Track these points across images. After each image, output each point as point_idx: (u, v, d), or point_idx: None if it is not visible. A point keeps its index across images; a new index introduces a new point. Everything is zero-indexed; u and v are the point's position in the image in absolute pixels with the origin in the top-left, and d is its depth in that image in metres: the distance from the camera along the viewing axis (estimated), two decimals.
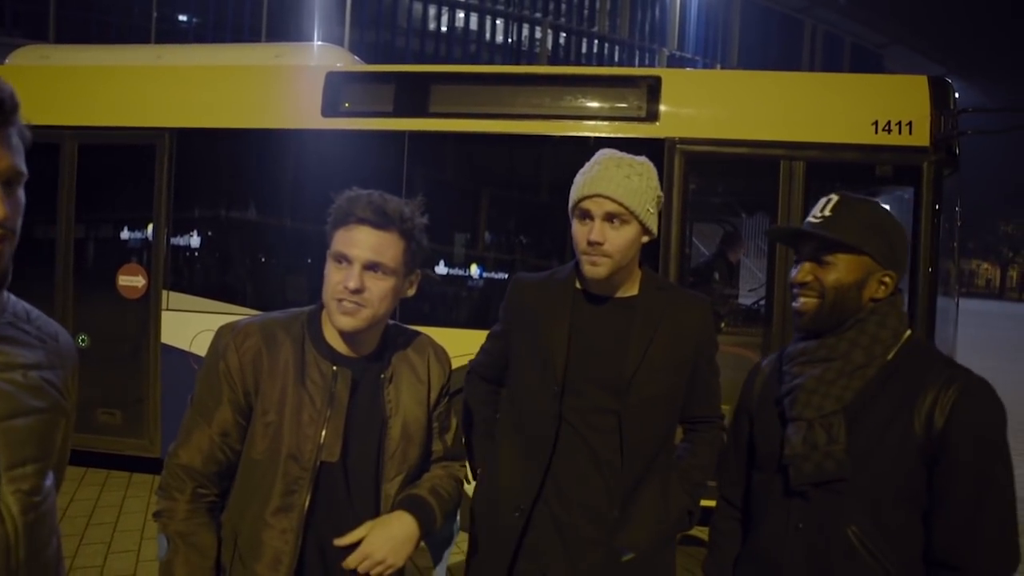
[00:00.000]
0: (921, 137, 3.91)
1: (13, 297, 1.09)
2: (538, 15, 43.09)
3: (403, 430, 1.55)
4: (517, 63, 38.25)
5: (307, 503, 1.46)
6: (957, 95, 4.05)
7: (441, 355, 1.69)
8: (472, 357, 2.04)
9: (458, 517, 1.82)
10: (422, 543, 1.56)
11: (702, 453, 1.85)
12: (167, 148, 4.74)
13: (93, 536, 4.10)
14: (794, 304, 1.53)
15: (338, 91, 4.59)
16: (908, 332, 1.50)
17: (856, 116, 4.00)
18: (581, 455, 1.73)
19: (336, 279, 1.45)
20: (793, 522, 1.46)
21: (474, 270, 4.56)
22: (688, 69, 19.32)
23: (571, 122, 4.34)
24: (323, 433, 1.47)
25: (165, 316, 4.75)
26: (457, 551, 3.99)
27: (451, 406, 1.71)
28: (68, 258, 4.91)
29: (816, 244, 1.49)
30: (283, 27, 28.81)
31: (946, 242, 4.12)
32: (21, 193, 1.01)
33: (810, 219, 1.52)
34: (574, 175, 1.74)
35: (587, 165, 1.73)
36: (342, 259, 1.46)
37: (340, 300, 1.44)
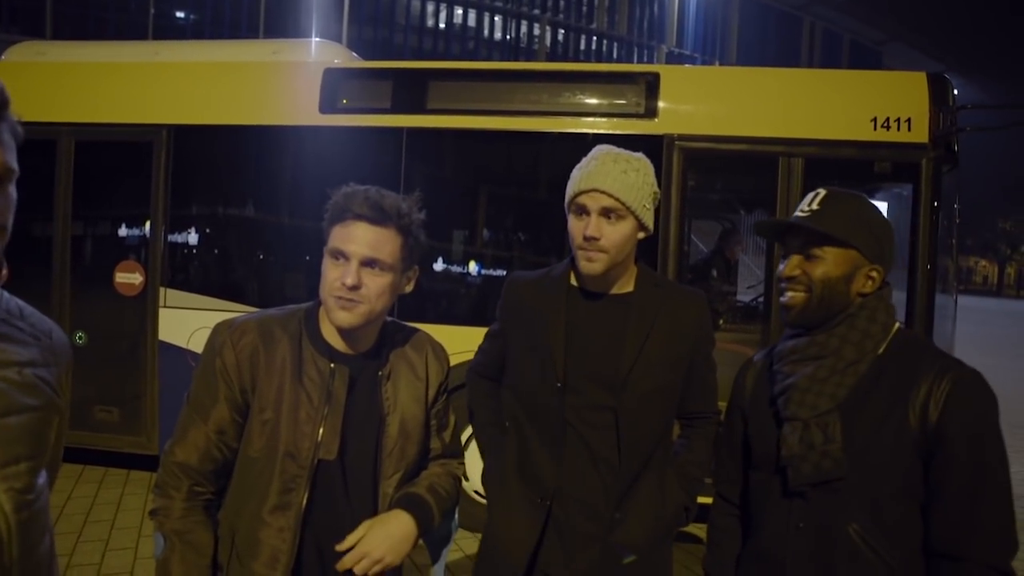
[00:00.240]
0: (920, 134, 3.91)
1: (6, 294, 1.09)
2: (536, 12, 43.07)
3: (401, 427, 1.55)
4: (516, 60, 38.21)
5: (304, 501, 1.45)
6: (956, 92, 4.04)
7: (439, 352, 1.68)
8: (471, 354, 2.04)
9: (456, 515, 1.81)
10: (420, 541, 1.56)
11: (698, 449, 1.85)
12: (164, 145, 4.73)
13: (90, 533, 4.09)
14: (782, 299, 1.53)
15: (336, 87, 4.58)
16: (897, 325, 1.50)
17: (855, 113, 3.99)
18: (579, 453, 1.72)
19: (333, 275, 1.45)
20: (794, 522, 1.46)
21: (472, 267, 4.56)
22: (687, 66, 19.31)
23: (569, 118, 4.33)
24: (320, 431, 1.47)
25: (162, 313, 4.74)
26: (455, 549, 4.00)
27: (449, 403, 1.71)
28: (65, 255, 4.90)
29: (804, 238, 1.49)
30: (281, 23, 28.80)
31: (945, 239, 4.12)
32: (12, 190, 1.01)
33: (797, 213, 1.52)
34: (572, 171, 1.73)
35: (584, 160, 1.72)
36: (339, 255, 1.45)
37: (338, 296, 1.44)
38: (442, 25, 41.28)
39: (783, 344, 1.56)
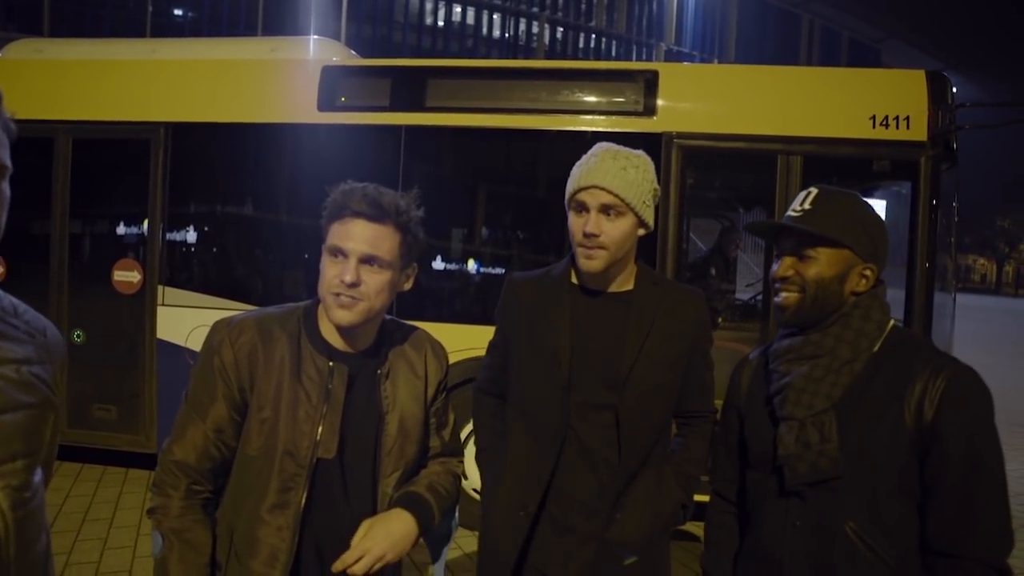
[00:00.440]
0: (919, 132, 3.90)
1: (1, 292, 1.09)
2: (535, 10, 43.05)
3: (400, 426, 1.54)
4: (514, 58, 38.20)
5: (303, 500, 1.45)
6: (955, 90, 4.04)
7: (438, 350, 1.68)
8: (470, 352, 2.03)
9: (456, 513, 1.81)
10: (420, 540, 1.56)
11: (695, 447, 1.85)
12: (162, 142, 4.72)
13: (89, 532, 4.09)
14: (776, 299, 1.53)
15: (334, 85, 4.57)
16: (892, 323, 1.50)
17: (853, 111, 3.99)
18: (577, 452, 1.72)
19: (332, 273, 1.44)
20: (791, 521, 1.46)
21: (471, 265, 4.55)
22: (685, 63, 19.30)
23: (568, 116, 4.32)
24: (319, 429, 1.46)
25: (161, 312, 4.74)
26: (455, 547, 4.00)
27: (448, 402, 1.71)
28: (63, 254, 4.89)
29: (796, 239, 1.49)
30: (279, 21, 28.77)
31: (943, 237, 4.12)
32: (6, 187, 1.01)
33: (790, 213, 1.51)
34: (571, 169, 1.73)
35: (583, 158, 1.72)
36: (338, 253, 1.44)
37: (336, 294, 1.43)
38: (441, 23, 41.26)
39: (778, 343, 1.56)
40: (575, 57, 42.27)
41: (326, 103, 4.55)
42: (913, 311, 3.87)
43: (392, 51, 35.73)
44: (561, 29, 44.30)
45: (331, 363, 1.50)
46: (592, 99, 4.35)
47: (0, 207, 1.00)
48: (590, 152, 1.71)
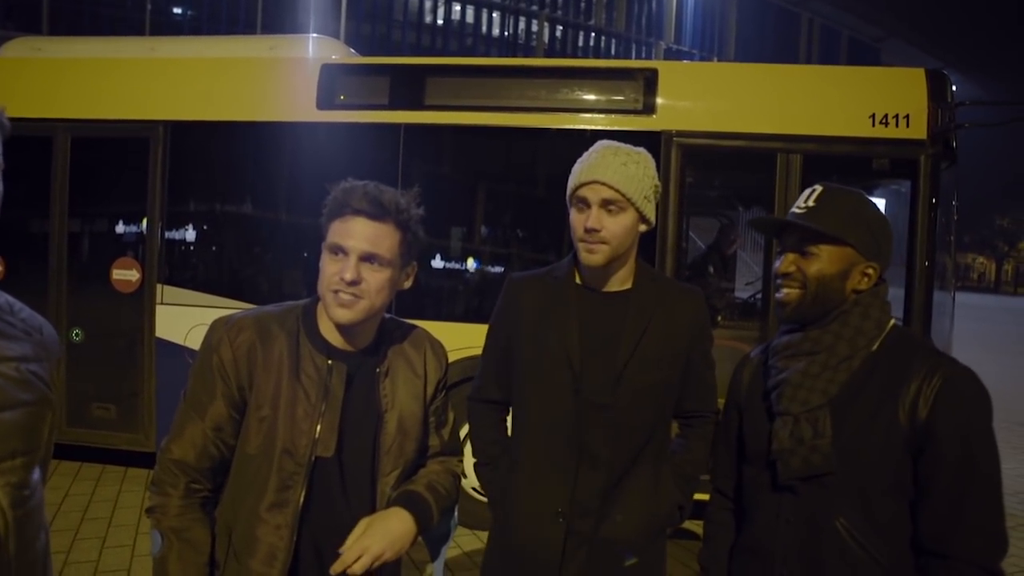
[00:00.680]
0: (918, 130, 3.90)
1: None
2: (535, 8, 43.03)
3: (399, 425, 1.54)
4: (514, 56, 38.16)
5: (302, 498, 1.45)
6: (954, 88, 4.04)
7: (438, 349, 1.68)
8: (469, 351, 2.02)
9: (455, 513, 1.81)
10: (419, 539, 1.56)
11: (696, 448, 1.84)
12: (161, 141, 4.71)
13: (88, 531, 4.08)
14: (777, 295, 1.53)
15: (333, 84, 4.57)
16: (892, 322, 1.50)
17: (853, 109, 3.99)
18: (578, 452, 1.72)
19: (332, 271, 1.44)
20: (783, 515, 1.47)
21: (470, 263, 4.55)
22: (685, 62, 19.30)
23: (568, 115, 4.32)
24: (318, 428, 1.46)
25: (159, 310, 4.73)
26: (454, 546, 4.00)
27: (448, 401, 1.70)
28: (62, 252, 4.88)
29: (799, 235, 1.49)
30: (278, 20, 28.74)
31: (943, 235, 4.12)
32: None
33: (794, 210, 1.52)
34: (571, 168, 1.73)
35: (584, 155, 1.72)
36: (338, 250, 1.44)
37: (336, 292, 1.43)
38: (440, 21, 41.24)
39: (779, 339, 1.57)
40: (574, 55, 42.26)
41: (325, 101, 4.55)
42: (912, 309, 3.87)
43: (391, 49, 35.71)
44: (560, 27, 44.28)
45: (330, 361, 1.49)
46: (592, 97, 4.34)
47: None
48: (591, 149, 1.72)
